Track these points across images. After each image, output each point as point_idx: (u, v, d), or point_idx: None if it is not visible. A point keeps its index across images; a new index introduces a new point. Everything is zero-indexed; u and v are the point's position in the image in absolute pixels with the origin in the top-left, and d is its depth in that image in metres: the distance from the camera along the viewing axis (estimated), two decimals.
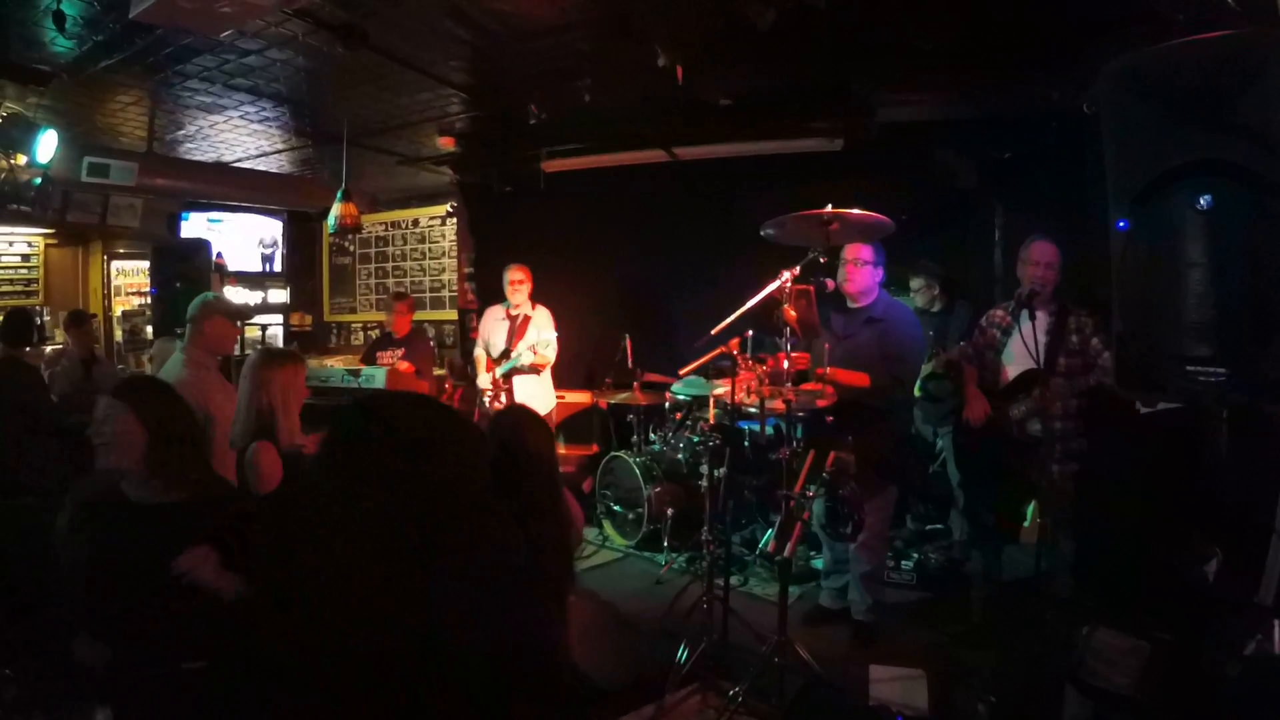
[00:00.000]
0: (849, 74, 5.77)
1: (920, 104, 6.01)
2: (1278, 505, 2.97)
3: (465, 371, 8.22)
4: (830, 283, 4.62)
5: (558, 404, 7.24)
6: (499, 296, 7.05)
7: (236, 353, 5.97)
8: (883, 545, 5.03)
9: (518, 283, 6.83)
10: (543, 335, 6.60)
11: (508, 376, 6.68)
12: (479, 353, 7.10)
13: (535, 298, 7.00)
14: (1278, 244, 2.38)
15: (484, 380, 6.84)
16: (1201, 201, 2.50)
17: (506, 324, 6.92)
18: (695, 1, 4.47)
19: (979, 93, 5.84)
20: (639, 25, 4.73)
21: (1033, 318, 4.34)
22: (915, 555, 5.82)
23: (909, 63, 5.35)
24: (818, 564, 5.53)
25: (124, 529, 2.58)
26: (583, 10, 4.58)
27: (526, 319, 6.87)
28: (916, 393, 5.93)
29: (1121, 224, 2.79)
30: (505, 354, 6.75)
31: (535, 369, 6.68)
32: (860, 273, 4.76)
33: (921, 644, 4.76)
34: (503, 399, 6.60)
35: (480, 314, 7.61)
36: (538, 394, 6.78)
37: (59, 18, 4.34)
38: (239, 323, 4.88)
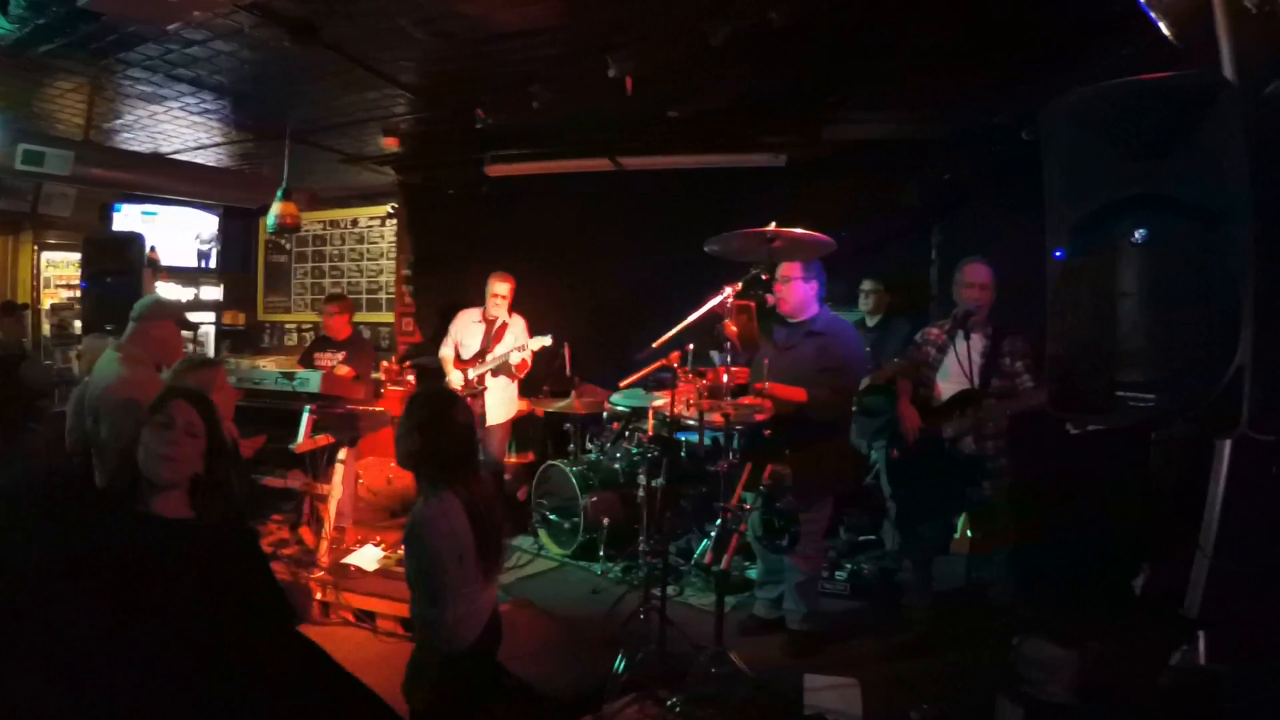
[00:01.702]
0: (796, 92, 5.85)
1: (864, 124, 6.12)
2: (1202, 521, 3.09)
3: (399, 375, 8.14)
4: (771, 298, 4.71)
5: None
6: (438, 298, 7.04)
7: None
8: (818, 555, 5.11)
9: (499, 297, 6.87)
10: (529, 339, 6.66)
11: (482, 377, 6.70)
12: (446, 352, 7.10)
13: (476, 302, 7.00)
14: (1209, 276, 2.47)
15: (455, 379, 6.86)
16: (1137, 235, 2.59)
17: (483, 327, 6.95)
18: (651, 13, 4.49)
19: (923, 115, 5.97)
20: (598, 36, 4.75)
21: (968, 338, 4.46)
22: (849, 566, 5.90)
23: (854, 83, 5.46)
24: (752, 574, 5.58)
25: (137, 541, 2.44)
26: (540, 17, 4.58)
27: (504, 325, 6.92)
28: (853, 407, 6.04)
29: (1058, 253, 2.87)
30: (480, 355, 6.75)
31: (517, 370, 6.74)
32: (789, 289, 4.82)
33: (855, 653, 4.85)
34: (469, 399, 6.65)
35: (433, 316, 7.58)
36: (506, 399, 6.95)
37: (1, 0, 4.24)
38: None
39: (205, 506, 2.57)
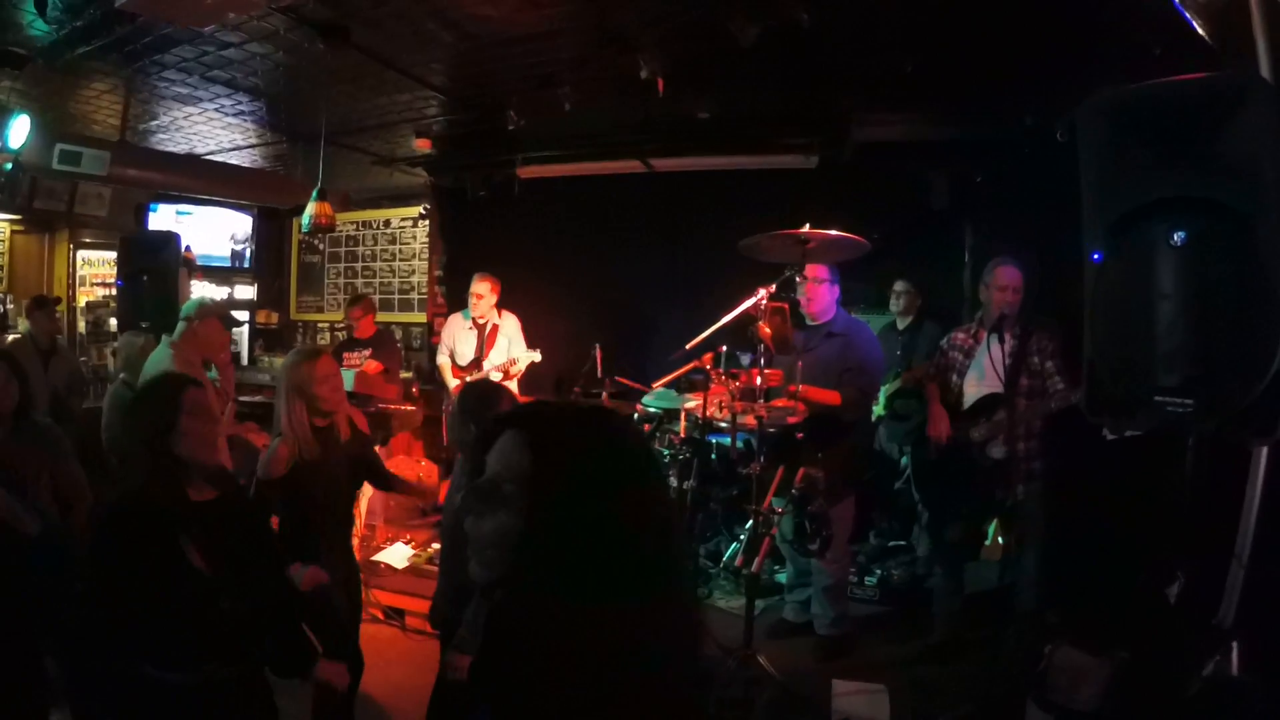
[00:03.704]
0: (827, 93, 5.83)
1: (896, 124, 6.07)
2: (1238, 528, 3.05)
3: (434, 375, 8.21)
4: (804, 300, 4.71)
5: None
6: (466, 303, 7.04)
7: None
8: (845, 558, 5.08)
9: (479, 297, 6.81)
10: (523, 352, 6.66)
11: None
12: (443, 360, 7.09)
13: (507, 304, 7.00)
14: (1248, 278, 2.44)
15: (453, 386, 6.84)
16: (1176, 237, 2.56)
17: (474, 333, 6.91)
18: (679, 15, 4.49)
19: (954, 115, 5.92)
20: (623, 36, 4.76)
21: (1003, 341, 4.42)
22: (879, 571, 5.87)
23: (887, 84, 5.42)
24: (782, 578, 5.56)
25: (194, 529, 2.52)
26: (567, 18, 4.59)
27: (495, 327, 6.88)
28: (881, 411, 6.01)
29: (1096, 255, 2.84)
30: (476, 363, 6.75)
31: (506, 377, 6.68)
32: (818, 290, 4.84)
33: (884, 658, 4.83)
34: None
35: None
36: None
37: (40, 1, 4.29)
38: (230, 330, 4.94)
39: None
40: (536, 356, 6.65)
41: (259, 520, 2.85)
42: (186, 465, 2.56)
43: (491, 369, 6.64)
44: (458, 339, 7.00)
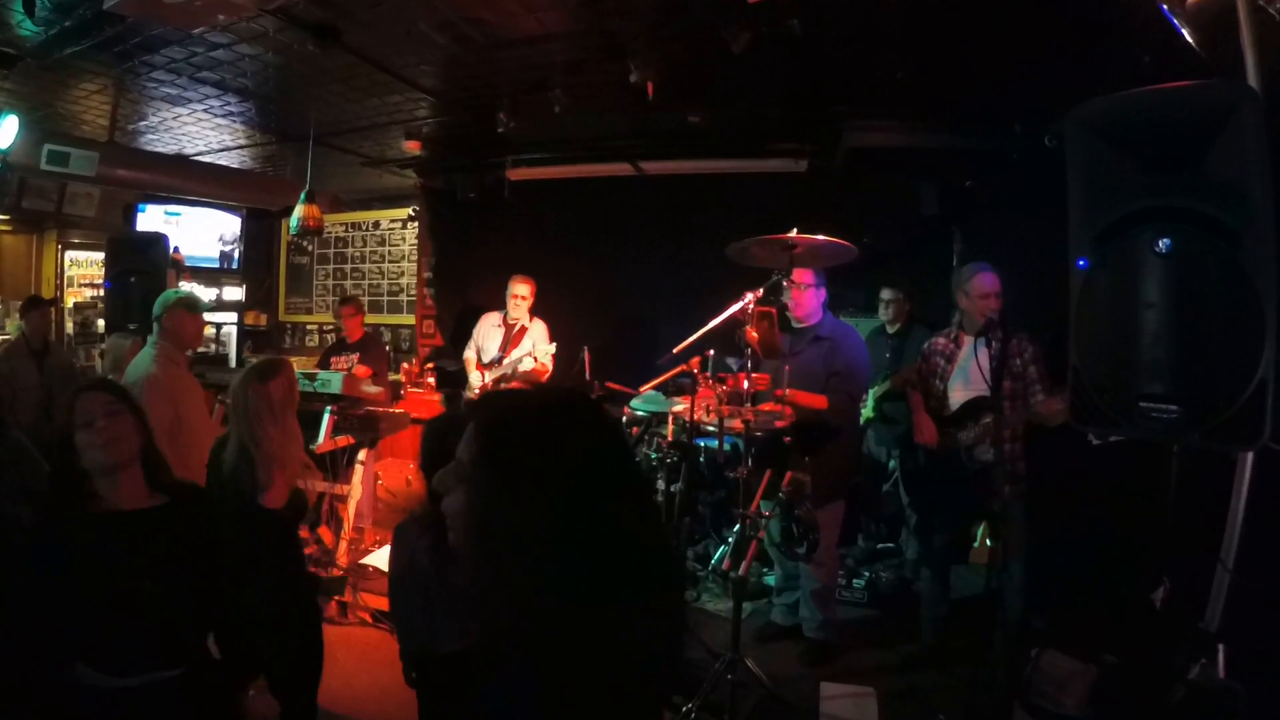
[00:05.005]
0: (817, 98, 5.84)
1: (886, 131, 6.09)
2: (1223, 534, 3.06)
3: (419, 378, 8.19)
4: (791, 305, 4.72)
5: None
6: (459, 302, 7.05)
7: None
8: (833, 562, 5.08)
9: (520, 298, 6.92)
10: (541, 346, 6.68)
11: (499, 383, 6.72)
12: (469, 355, 7.18)
13: (497, 306, 7.02)
14: (1233, 288, 2.46)
15: (474, 380, 6.95)
16: (1160, 245, 2.58)
17: (502, 331, 7.01)
18: (672, 20, 4.50)
19: (944, 122, 5.94)
20: (618, 40, 4.76)
21: (989, 346, 4.42)
22: (867, 574, 5.88)
23: (878, 90, 5.44)
24: (770, 580, 5.57)
25: (109, 540, 2.45)
26: (560, 23, 4.59)
27: (524, 329, 6.98)
28: (870, 414, 6.01)
29: (1081, 262, 2.85)
30: (497, 360, 6.79)
31: (533, 375, 6.74)
32: (804, 296, 4.86)
33: (872, 662, 4.83)
34: None
35: (454, 319, 7.61)
36: None
37: (29, 2, 4.27)
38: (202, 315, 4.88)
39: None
40: (552, 348, 6.72)
41: (207, 528, 2.79)
42: (90, 477, 2.50)
43: (509, 365, 6.68)
44: (486, 336, 7.11)
